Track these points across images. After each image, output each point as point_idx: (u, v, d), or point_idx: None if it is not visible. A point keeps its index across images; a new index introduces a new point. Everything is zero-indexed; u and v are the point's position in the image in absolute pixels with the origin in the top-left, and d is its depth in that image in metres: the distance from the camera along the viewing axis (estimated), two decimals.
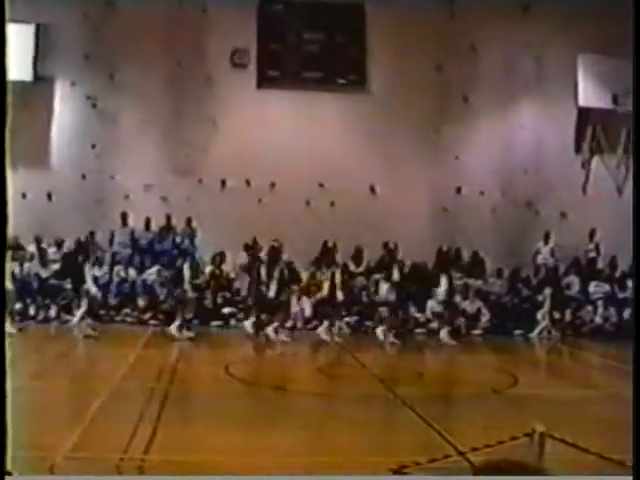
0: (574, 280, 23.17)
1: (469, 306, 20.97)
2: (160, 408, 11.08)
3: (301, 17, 24.74)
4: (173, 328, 18.86)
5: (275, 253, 21.18)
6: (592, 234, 23.96)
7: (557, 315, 22.10)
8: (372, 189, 24.66)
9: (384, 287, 20.58)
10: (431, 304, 21.20)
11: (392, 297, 20.36)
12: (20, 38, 20.79)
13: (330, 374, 15.60)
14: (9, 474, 4.61)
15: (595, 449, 7.06)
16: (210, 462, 8.49)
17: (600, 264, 23.97)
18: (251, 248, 21.90)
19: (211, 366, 15.61)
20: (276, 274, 20.21)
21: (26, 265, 21.69)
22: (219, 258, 22.00)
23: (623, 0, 13.82)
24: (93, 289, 19.72)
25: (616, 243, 22.69)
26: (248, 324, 19.82)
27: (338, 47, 24.91)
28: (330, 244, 22.64)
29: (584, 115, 24.77)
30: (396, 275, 20.72)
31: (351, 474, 6.49)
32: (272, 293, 20.02)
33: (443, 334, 19.81)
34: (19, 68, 21.07)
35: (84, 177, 23.97)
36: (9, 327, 18.48)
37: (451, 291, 20.74)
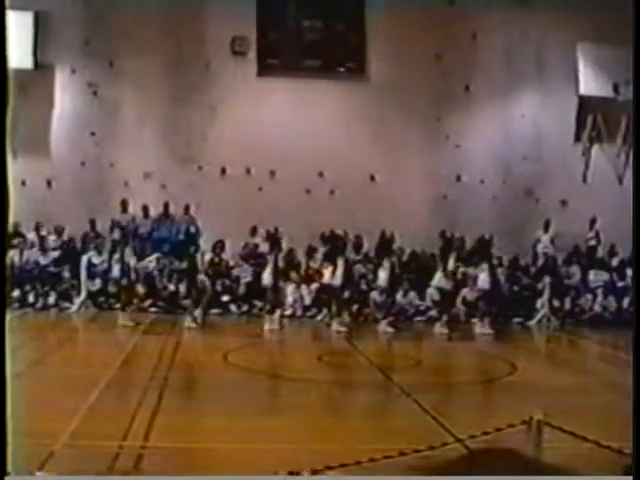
0: (574, 268, 23.18)
1: (469, 294, 20.92)
2: (159, 396, 11.09)
3: (301, 5, 24.71)
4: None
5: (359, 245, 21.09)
6: (592, 222, 23.97)
7: (556, 303, 22.14)
8: (372, 177, 24.68)
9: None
10: (431, 292, 21.23)
11: None
12: (20, 26, 20.78)
13: (330, 362, 15.59)
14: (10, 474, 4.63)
15: (593, 437, 7.06)
16: (209, 449, 8.53)
17: (600, 252, 23.98)
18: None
19: (210, 354, 15.62)
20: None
21: (25, 252, 21.73)
22: (220, 246, 22.05)
23: None
24: (207, 280, 19.59)
25: (616, 232, 22.72)
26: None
27: (338, 35, 24.89)
28: (388, 234, 22.59)
29: (584, 104, 24.76)
30: (451, 264, 20.51)
31: (347, 463, 6.50)
32: (383, 282, 20.00)
33: (437, 326, 19.74)
34: (19, 56, 21.02)
35: (84, 164, 23.98)
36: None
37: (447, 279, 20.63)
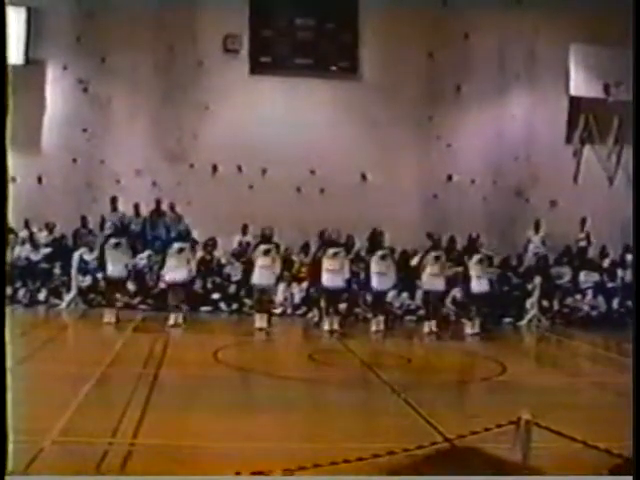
0: (565, 269, 23.20)
1: (459, 294, 20.94)
2: (148, 393, 11.09)
3: (293, 3, 24.71)
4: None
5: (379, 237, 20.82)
6: (583, 223, 24.00)
7: (546, 304, 22.16)
8: (363, 176, 24.68)
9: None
10: (420, 291, 21.22)
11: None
12: (11, 21, 20.71)
13: (320, 360, 15.57)
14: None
15: (582, 437, 7.06)
16: (197, 447, 8.52)
17: (590, 253, 24.01)
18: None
19: (200, 352, 15.61)
20: (387, 261, 19.99)
21: (17, 249, 21.70)
22: (211, 244, 22.05)
23: None
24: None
25: (606, 232, 22.82)
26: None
27: (330, 33, 24.88)
28: (379, 233, 22.46)
29: (575, 104, 24.78)
30: (438, 265, 20.33)
31: (336, 462, 6.50)
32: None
33: (427, 325, 19.63)
34: (10, 52, 20.95)
35: (75, 161, 23.92)
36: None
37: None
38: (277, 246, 19.65)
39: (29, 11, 23.05)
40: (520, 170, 24.96)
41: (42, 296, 21.32)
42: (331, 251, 19.54)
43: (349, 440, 8.67)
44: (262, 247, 19.33)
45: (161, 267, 19.80)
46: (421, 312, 21.04)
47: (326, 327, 19.06)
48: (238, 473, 6.74)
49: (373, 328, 19.22)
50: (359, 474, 6.38)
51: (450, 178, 25.01)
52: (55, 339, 16.55)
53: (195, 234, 21.41)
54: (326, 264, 19.49)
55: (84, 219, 22.84)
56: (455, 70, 24.73)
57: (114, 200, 22.91)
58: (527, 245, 23.79)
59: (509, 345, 19.01)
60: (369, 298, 20.57)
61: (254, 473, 6.64)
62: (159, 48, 23.82)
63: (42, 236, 22.63)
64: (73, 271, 21.30)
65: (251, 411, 10.56)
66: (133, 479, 7.63)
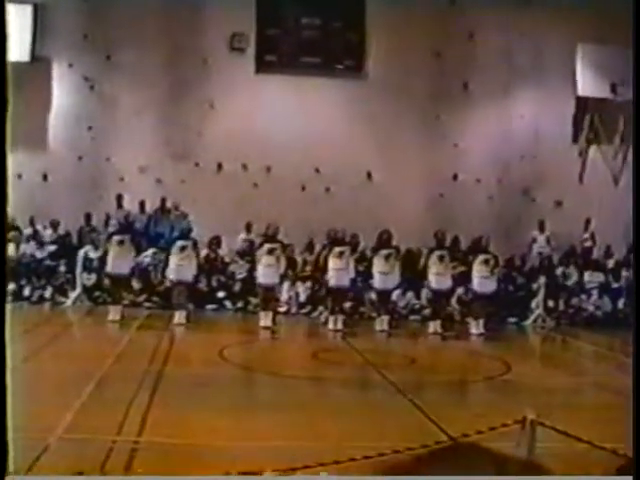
0: (570, 269, 23.16)
1: (464, 294, 20.91)
2: (153, 391, 11.10)
3: (300, 2, 24.69)
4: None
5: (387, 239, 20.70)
6: (588, 223, 23.98)
7: (551, 304, 22.13)
8: (368, 175, 24.66)
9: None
10: (426, 291, 21.19)
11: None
12: (17, 19, 20.72)
13: (325, 359, 15.57)
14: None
15: (587, 437, 7.06)
16: (202, 445, 8.52)
17: (595, 254, 23.98)
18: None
19: (205, 350, 15.62)
20: (391, 260, 19.91)
21: (22, 246, 21.73)
22: (215, 242, 22.06)
23: None
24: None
25: (612, 233, 22.76)
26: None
27: (336, 32, 24.88)
28: (384, 232, 22.31)
29: (582, 104, 24.71)
30: (443, 264, 20.22)
31: (341, 460, 6.50)
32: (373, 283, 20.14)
33: (432, 325, 19.52)
34: (16, 49, 20.97)
35: (80, 159, 23.93)
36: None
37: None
38: (282, 245, 19.69)
39: (35, 8, 23.05)
40: (526, 170, 24.91)
41: (48, 293, 21.34)
42: (337, 250, 19.57)
43: (353, 439, 8.67)
44: (267, 246, 19.39)
45: (165, 265, 19.86)
46: (426, 312, 20.99)
47: (330, 326, 19.10)
48: (241, 472, 6.75)
49: (377, 327, 19.25)
50: (363, 473, 6.38)
51: (456, 177, 24.98)
52: (61, 336, 16.56)
53: (196, 232, 21.32)
54: (332, 263, 19.51)
55: (88, 216, 22.84)
56: (462, 69, 24.69)
57: (119, 197, 22.95)
58: (531, 245, 23.76)
59: (514, 345, 18.99)
60: (374, 297, 20.57)
61: (257, 472, 6.64)
62: (165, 46, 23.80)
63: (47, 234, 22.65)
64: (78, 269, 21.32)
65: (256, 409, 10.57)
66: (134, 479, 7.63)
